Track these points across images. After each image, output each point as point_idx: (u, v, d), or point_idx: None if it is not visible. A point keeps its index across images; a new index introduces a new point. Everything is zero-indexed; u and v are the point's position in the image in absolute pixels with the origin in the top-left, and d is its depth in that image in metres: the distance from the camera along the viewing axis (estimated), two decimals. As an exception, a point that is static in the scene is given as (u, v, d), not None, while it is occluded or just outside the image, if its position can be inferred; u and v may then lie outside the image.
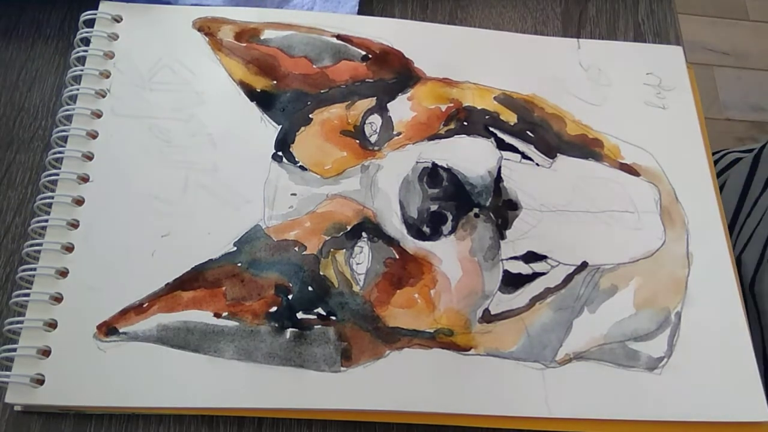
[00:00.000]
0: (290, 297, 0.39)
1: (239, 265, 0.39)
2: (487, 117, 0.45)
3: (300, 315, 0.38)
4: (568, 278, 0.41)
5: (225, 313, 0.38)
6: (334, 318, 0.38)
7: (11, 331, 0.37)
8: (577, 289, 0.41)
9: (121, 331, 0.37)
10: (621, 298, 0.41)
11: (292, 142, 0.43)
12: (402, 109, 0.45)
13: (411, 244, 0.41)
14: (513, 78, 0.47)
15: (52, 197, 0.40)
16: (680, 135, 0.47)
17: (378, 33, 0.47)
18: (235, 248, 0.40)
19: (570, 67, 0.48)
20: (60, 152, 0.41)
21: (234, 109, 0.44)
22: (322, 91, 0.45)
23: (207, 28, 0.46)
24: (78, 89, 0.43)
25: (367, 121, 0.44)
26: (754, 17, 1.53)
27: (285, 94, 0.45)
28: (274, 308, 0.38)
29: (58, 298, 0.38)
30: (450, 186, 0.43)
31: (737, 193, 0.65)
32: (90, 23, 0.45)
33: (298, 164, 0.43)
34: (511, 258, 0.41)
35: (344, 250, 0.40)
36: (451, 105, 0.46)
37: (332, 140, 0.43)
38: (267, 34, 0.47)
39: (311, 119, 0.44)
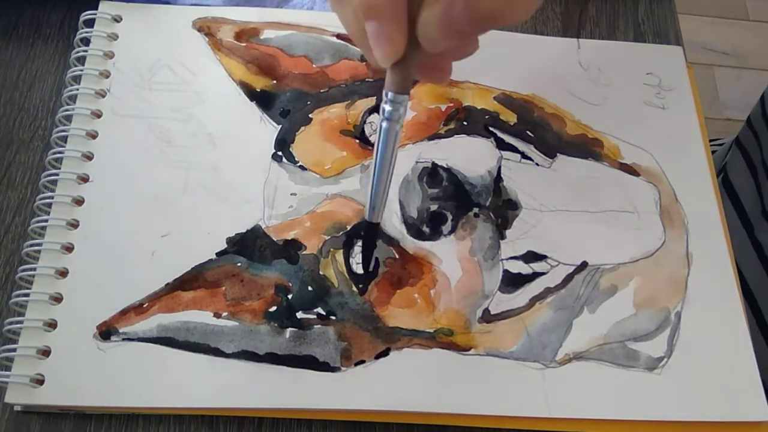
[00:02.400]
0: (290, 297, 0.39)
1: (239, 265, 0.39)
2: (486, 117, 0.45)
3: (300, 315, 0.38)
4: (568, 278, 0.41)
5: (225, 313, 0.38)
6: (333, 318, 0.38)
7: (11, 331, 0.37)
8: (577, 288, 0.41)
9: (121, 331, 0.37)
10: (621, 298, 0.41)
11: (292, 142, 0.43)
12: (402, 108, 0.45)
13: (411, 244, 0.41)
14: (513, 78, 0.47)
15: (52, 197, 0.40)
16: (680, 135, 0.47)
17: (378, 33, 0.47)
18: (235, 248, 0.40)
19: (570, 66, 0.48)
20: (60, 152, 0.41)
21: (234, 109, 0.44)
22: (321, 91, 0.45)
23: (207, 28, 0.46)
24: (78, 89, 0.43)
25: (367, 121, 0.44)
26: (754, 17, 1.53)
27: (285, 94, 0.45)
28: (274, 308, 0.38)
29: (58, 298, 0.38)
30: (450, 186, 0.43)
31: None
32: (90, 23, 0.45)
33: (298, 164, 0.43)
34: (511, 258, 0.41)
35: (344, 249, 0.40)
36: (451, 105, 0.46)
37: (332, 140, 0.43)
38: (267, 34, 0.47)
39: (311, 119, 0.44)
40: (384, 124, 0.33)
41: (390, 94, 0.32)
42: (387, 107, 0.32)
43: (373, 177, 0.34)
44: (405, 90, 0.32)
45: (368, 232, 0.39)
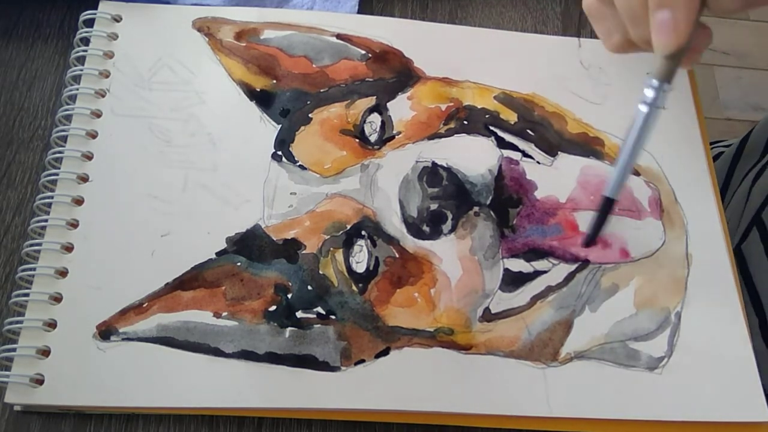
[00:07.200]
0: (290, 296, 0.39)
1: (239, 264, 0.39)
2: (487, 116, 0.45)
3: (299, 314, 0.38)
4: (570, 276, 0.41)
5: (225, 313, 0.38)
6: (333, 317, 0.38)
7: (11, 331, 0.37)
8: (579, 287, 0.41)
9: (120, 331, 0.37)
10: (621, 297, 0.41)
11: (292, 142, 0.43)
12: (402, 108, 0.45)
13: (411, 243, 0.41)
14: (513, 77, 0.47)
15: (52, 197, 0.40)
16: (680, 135, 0.47)
17: (378, 32, 0.47)
18: (235, 247, 0.40)
19: (571, 65, 0.48)
20: (60, 152, 0.41)
21: (233, 109, 0.44)
22: (321, 91, 0.45)
23: (207, 28, 0.46)
24: (78, 89, 0.43)
25: (366, 120, 0.44)
26: (754, 17, 1.53)
27: (285, 94, 0.45)
28: (274, 307, 0.38)
29: (57, 298, 0.38)
30: (450, 185, 0.42)
31: (720, 181, 0.64)
32: (90, 23, 0.45)
33: (298, 163, 0.43)
34: (512, 256, 0.41)
35: (343, 248, 0.40)
36: (451, 104, 0.46)
37: (332, 139, 0.43)
38: (267, 34, 0.47)
39: (311, 118, 0.44)
40: (646, 110, 0.37)
41: (656, 82, 0.36)
42: (652, 94, 0.36)
43: (626, 156, 0.38)
44: (672, 79, 0.36)
45: (605, 208, 0.40)
